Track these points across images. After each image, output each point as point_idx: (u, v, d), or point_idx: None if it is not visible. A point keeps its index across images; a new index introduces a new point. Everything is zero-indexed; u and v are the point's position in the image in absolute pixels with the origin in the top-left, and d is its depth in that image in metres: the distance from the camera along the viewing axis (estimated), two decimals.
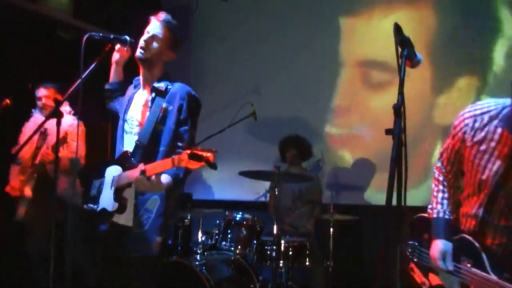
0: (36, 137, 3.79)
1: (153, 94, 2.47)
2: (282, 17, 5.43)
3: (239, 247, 3.76)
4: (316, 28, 5.22)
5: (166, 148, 2.39)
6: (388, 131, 1.64)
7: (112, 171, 2.43)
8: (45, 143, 3.76)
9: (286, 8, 5.43)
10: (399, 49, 1.77)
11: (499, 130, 1.94)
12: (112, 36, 2.36)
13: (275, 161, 4.61)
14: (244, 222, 3.82)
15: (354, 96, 4.98)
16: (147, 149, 2.40)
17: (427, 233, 2.22)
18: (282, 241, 3.81)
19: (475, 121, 2.01)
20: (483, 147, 1.98)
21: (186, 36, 5.99)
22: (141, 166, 2.20)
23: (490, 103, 2.02)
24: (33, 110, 4.01)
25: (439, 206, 2.18)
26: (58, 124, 2.27)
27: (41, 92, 3.97)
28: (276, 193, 3.76)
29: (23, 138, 3.90)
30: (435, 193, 2.23)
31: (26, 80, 4.45)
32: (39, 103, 3.96)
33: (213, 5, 5.88)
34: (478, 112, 2.02)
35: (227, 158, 5.55)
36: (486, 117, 1.99)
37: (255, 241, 3.79)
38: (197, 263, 3.48)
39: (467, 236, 2.08)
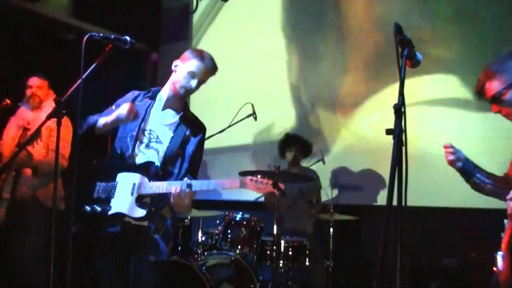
0: (18, 132, 3.70)
1: (179, 119, 2.60)
2: (282, 15, 5.43)
3: (239, 247, 3.76)
4: (314, 26, 5.23)
5: (185, 172, 2.56)
6: (388, 131, 1.64)
7: (130, 178, 2.44)
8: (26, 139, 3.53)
9: (285, 7, 5.43)
10: (399, 49, 1.77)
11: None
12: (112, 37, 2.36)
13: (275, 161, 4.61)
14: (244, 222, 3.83)
15: (354, 93, 4.98)
16: (168, 168, 2.53)
17: None
18: (282, 241, 3.81)
19: None
20: None
21: (186, 36, 6.00)
22: (187, 180, 2.36)
23: None
24: (19, 103, 3.83)
25: None
26: (59, 125, 2.25)
27: (34, 81, 3.79)
28: (276, 193, 3.75)
29: (6, 132, 3.76)
30: None
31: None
32: (27, 91, 3.77)
33: (213, 5, 5.89)
34: None
35: (227, 158, 5.57)
36: None
37: (255, 241, 3.79)
38: (197, 263, 3.48)
39: None
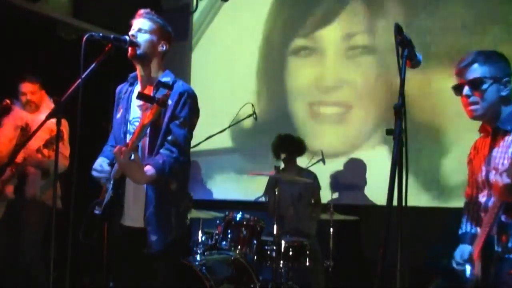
0: (16, 133, 3.70)
1: (156, 89, 2.39)
2: (282, 16, 5.43)
3: (239, 247, 3.76)
4: (314, 27, 5.23)
5: (159, 143, 2.36)
6: (388, 131, 1.64)
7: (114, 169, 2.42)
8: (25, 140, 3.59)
9: (285, 7, 5.43)
10: (400, 49, 1.77)
11: None
12: (112, 36, 2.35)
13: (275, 161, 4.61)
14: (244, 222, 3.82)
15: (354, 93, 4.98)
16: (148, 142, 2.38)
17: None
18: (282, 241, 3.81)
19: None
20: None
21: (186, 36, 6.00)
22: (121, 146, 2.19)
23: None
24: (12, 103, 3.81)
25: None
26: (58, 124, 2.25)
27: (26, 87, 3.78)
28: (277, 193, 3.76)
29: (2, 132, 3.76)
30: None
31: None
32: (22, 98, 3.77)
33: (213, 5, 5.89)
34: None
35: (227, 158, 5.57)
36: None
37: (255, 241, 3.78)
38: (197, 263, 3.47)
39: None
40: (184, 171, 2.45)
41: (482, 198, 2.15)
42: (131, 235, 2.40)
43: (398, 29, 1.75)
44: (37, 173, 3.67)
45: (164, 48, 2.51)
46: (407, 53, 1.77)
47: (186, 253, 3.83)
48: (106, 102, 3.39)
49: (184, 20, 6.00)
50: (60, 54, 4.73)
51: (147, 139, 2.38)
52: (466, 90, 2.10)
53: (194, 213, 4.01)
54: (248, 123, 4.61)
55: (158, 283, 2.38)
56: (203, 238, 3.84)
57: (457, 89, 2.15)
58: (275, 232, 3.64)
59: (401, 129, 1.64)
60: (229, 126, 4.54)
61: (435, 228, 4.26)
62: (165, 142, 2.35)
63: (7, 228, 3.68)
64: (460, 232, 2.39)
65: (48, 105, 3.82)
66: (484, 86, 2.07)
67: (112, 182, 2.36)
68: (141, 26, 2.45)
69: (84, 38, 2.23)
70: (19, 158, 3.55)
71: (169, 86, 2.35)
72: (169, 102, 2.35)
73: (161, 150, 2.34)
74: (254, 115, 4.50)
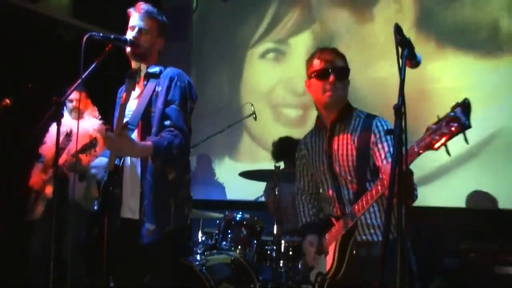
0: (61, 137, 3.81)
1: (146, 80, 2.44)
2: (282, 16, 5.43)
3: (239, 247, 3.76)
4: (315, 26, 5.23)
5: (156, 129, 2.35)
6: (388, 131, 1.64)
7: None
8: (68, 145, 3.80)
9: (285, 7, 5.43)
10: (399, 50, 1.77)
11: None
12: (112, 36, 2.36)
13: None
14: (244, 222, 3.83)
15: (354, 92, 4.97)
16: (139, 132, 2.37)
17: None
18: (282, 241, 3.81)
19: None
20: None
21: (186, 36, 6.00)
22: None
23: None
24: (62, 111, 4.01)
25: None
26: (58, 125, 2.26)
27: (73, 94, 3.86)
28: (276, 193, 3.76)
29: (49, 137, 3.95)
30: None
31: (26, 80, 4.45)
32: (69, 105, 3.93)
33: (213, 5, 5.89)
34: None
35: (227, 158, 5.57)
36: None
37: (255, 241, 3.79)
38: (197, 263, 3.48)
39: None
40: (184, 156, 2.42)
41: (328, 191, 2.28)
42: (129, 226, 2.39)
43: (397, 29, 1.75)
44: (75, 176, 3.82)
45: (162, 45, 2.56)
46: (406, 54, 1.77)
47: (186, 248, 3.84)
48: (106, 102, 3.40)
49: (184, 20, 6.00)
50: (60, 54, 4.74)
51: (137, 131, 2.36)
52: (333, 76, 2.20)
53: (194, 213, 4.00)
54: (248, 122, 4.61)
55: (157, 275, 2.37)
56: (203, 238, 3.85)
57: (323, 74, 2.22)
58: (275, 232, 3.64)
59: (401, 129, 1.64)
60: (229, 126, 4.54)
61: (435, 228, 4.27)
62: (164, 127, 2.32)
63: (48, 227, 3.75)
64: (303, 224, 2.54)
65: (91, 112, 4.02)
66: (346, 78, 2.26)
67: (107, 175, 2.35)
68: (141, 26, 2.47)
69: (84, 38, 2.24)
70: (61, 161, 3.68)
71: (156, 75, 2.42)
72: (159, 88, 2.38)
73: (161, 133, 2.30)
74: (254, 115, 4.50)
